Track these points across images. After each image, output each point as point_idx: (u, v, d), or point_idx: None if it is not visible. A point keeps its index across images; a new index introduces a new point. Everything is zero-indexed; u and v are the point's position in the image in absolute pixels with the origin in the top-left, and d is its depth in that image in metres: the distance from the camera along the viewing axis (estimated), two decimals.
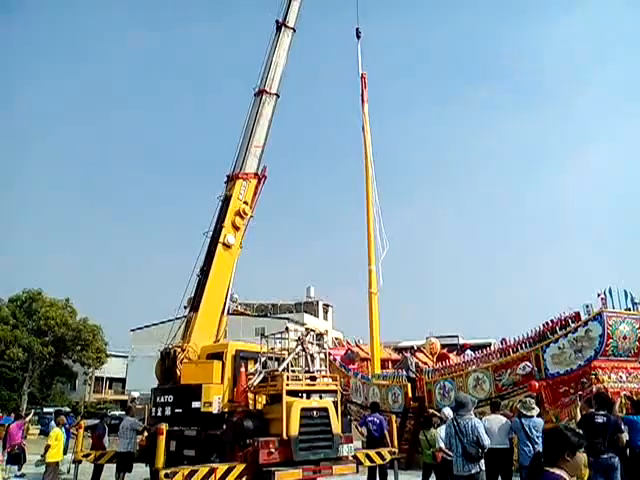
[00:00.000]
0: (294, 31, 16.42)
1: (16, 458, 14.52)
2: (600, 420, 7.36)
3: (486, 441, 6.53)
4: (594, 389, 10.83)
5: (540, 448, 7.41)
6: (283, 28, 16.14)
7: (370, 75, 21.19)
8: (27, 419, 17.90)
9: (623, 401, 9.06)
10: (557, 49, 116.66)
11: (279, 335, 11.30)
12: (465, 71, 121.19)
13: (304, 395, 10.18)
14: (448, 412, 8.78)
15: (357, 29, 21.14)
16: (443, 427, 8.31)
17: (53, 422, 14.27)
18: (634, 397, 10.43)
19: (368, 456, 10.50)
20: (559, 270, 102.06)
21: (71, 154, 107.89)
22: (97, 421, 14.70)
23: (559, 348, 12.32)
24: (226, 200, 14.13)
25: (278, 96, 15.65)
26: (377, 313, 18.05)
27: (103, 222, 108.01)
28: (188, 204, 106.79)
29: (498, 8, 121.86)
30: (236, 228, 13.86)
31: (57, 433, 11.80)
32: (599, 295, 12.07)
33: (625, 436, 7.99)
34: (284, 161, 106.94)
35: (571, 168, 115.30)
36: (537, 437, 7.56)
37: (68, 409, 30.02)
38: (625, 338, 11.93)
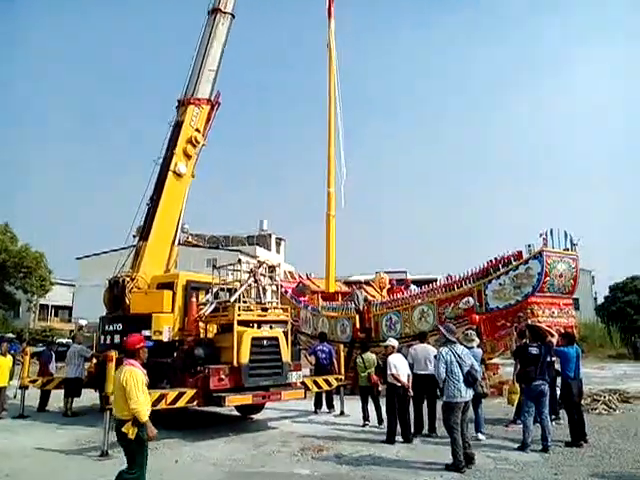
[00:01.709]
0: None
1: None
2: (534, 351, 7.89)
3: (478, 367, 7.06)
4: (529, 322, 11.54)
5: (479, 376, 7.90)
6: None
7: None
8: None
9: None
10: None
11: (231, 267, 11.29)
12: None
13: (255, 325, 10.35)
14: (395, 342, 9.21)
15: None
16: (396, 355, 8.74)
17: None
18: (562, 330, 11.27)
19: (316, 382, 10.93)
20: (509, 209, 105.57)
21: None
22: (43, 348, 14.51)
23: (500, 284, 12.96)
24: (177, 126, 13.53)
25: (233, 16, 14.78)
26: (334, 236, 18.61)
27: (47, 141, 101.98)
28: (140, 125, 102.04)
29: None
30: (188, 156, 13.40)
31: None
32: (541, 235, 12.64)
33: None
34: (240, 86, 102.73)
35: (525, 103, 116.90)
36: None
37: (12, 335, 29.43)
38: (561, 276, 12.65)
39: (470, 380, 6.79)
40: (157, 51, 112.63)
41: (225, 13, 14.55)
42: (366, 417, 10.04)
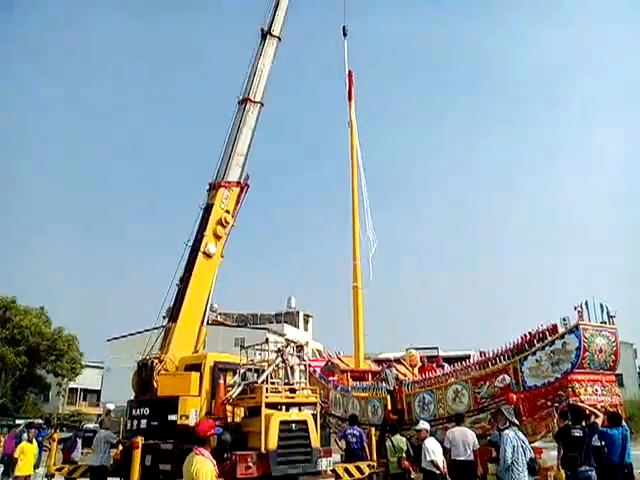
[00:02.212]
0: (279, 40, 16.52)
1: (6, 468, 14.21)
2: (577, 434, 7.44)
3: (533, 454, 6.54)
4: (570, 402, 10.94)
5: None
6: (268, 36, 16.24)
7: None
8: (17, 430, 17.45)
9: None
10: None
11: (259, 346, 11.22)
12: (450, 75, 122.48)
13: (283, 407, 10.10)
14: (427, 425, 8.81)
15: (344, 27, 21.49)
16: (431, 439, 8.33)
17: (25, 434, 13.93)
18: (609, 409, 10.62)
19: (347, 470, 10.42)
20: (540, 282, 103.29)
21: (54, 157, 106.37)
22: (70, 434, 14.36)
23: (537, 361, 12.43)
24: (208, 209, 14.10)
25: (262, 104, 15.72)
26: (362, 308, 18.55)
27: (81, 230, 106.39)
28: (171, 212, 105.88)
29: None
30: (217, 237, 13.83)
31: (22, 447, 11.54)
32: (576, 308, 12.25)
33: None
34: (266, 164, 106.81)
35: (550, 184, 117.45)
36: None
37: (41, 421, 29.21)
38: (601, 351, 12.10)
39: (534, 468, 6.28)
40: (189, 137, 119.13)
41: (255, 102, 15.51)
42: None
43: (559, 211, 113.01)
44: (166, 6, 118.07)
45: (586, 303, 12.29)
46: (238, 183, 14.66)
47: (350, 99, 21.68)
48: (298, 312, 54.37)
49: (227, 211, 14.12)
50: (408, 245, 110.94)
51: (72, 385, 49.25)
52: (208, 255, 13.50)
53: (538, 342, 12.66)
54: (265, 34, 16.28)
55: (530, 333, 13.03)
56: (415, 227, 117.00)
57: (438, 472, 7.95)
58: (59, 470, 11.69)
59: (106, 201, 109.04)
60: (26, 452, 11.42)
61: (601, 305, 12.47)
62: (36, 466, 12.08)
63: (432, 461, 7.96)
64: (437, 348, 32.55)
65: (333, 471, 9.99)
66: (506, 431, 6.61)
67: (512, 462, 6.20)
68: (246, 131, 15.23)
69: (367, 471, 10.67)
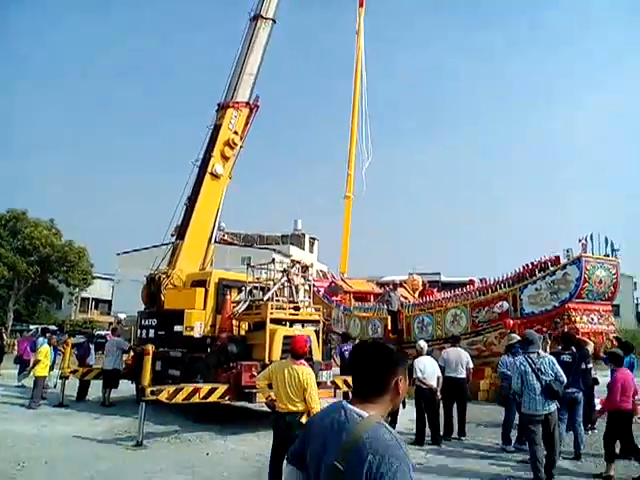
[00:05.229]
0: None
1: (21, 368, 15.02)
2: (566, 359, 7.75)
3: (564, 377, 6.36)
4: (565, 329, 11.30)
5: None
6: None
7: None
8: (30, 334, 18.49)
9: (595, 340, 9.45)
10: None
11: (265, 266, 11.47)
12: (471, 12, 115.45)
13: (287, 324, 10.49)
14: (423, 344, 9.16)
15: None
16: (423, 358, 8.70)
17: (41, 338, 14.59)
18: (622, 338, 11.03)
19: (346, 382, 10.97)
20: (545, 213, 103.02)
21: (62, 74, 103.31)
22: (83, 340, 14.98)
23: (536, 289, 12.72)
24: (216, 129, 13.82)
25: (274, 21, 15.00)
26: (350, 216, 20.06)
27: (92, 142, 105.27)
28: (181, 128, 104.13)
29: None
30: (225, 158, 13.66)
31: (46, 350, 12.10)
32: (580, 240, 12.34)
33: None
34: (274, 87, 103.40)
35: (562, 109, 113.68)
36: None
37: (54, 327, 30.54)
38: (601, 282, 12.33)
39: (553, 391, 6.13)
40: (197, 54, 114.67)
41: (266, 19, 14.77)
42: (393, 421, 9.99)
43: (568, 145, 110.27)
44: None
45: (591, 236, 12.36)
46: (247, 104, 14.21)
47: (361, 5, 21.54)
48: (304, 234, 54.76)
49: (235, 132, 13.78)
50: (418, 175, 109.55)
51: (84, 295, 50.79)
52: (215, 176, 13.39)
53: (540, 272, 12.88)
54: None
55: (532, 263, 13.22)
56: (422, 159, 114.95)
57: (425, 387, 8.37)
58: (73, 372, 12.35)
59: (113, 119, 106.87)
60: (47, 355, 12.01)
61: (606, 238, 12.55)
62: (51, 368, 12.71)
63: (417, 378, 8.34)
64: (439, 274, 33.22)
65: (333, 382, 10.53)
66: (517, 357, 6.82)
67: (523, 388, 6.26)
68: (257, 49, 14.54)
69: None
